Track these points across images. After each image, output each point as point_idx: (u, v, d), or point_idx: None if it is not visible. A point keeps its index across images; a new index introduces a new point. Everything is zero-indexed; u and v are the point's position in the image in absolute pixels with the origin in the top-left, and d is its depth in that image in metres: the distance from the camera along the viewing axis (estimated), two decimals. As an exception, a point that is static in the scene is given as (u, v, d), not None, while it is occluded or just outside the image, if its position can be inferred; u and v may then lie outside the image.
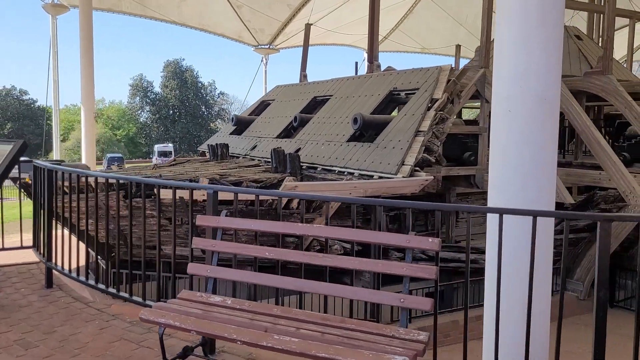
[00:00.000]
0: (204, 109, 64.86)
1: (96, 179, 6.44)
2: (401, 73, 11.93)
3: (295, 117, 13.21)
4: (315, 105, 13.91)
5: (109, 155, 36.77)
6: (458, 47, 19.72)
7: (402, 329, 2.39)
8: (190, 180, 9.30)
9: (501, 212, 3.02)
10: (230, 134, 15.86)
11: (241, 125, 15.63)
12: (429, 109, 10.23)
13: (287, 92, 15.82)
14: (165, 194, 5.48)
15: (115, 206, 4.60)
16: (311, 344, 2.30)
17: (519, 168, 3.93)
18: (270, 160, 11.53)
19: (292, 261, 2.87)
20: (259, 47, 27.89)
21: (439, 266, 2.53)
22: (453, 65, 12.25)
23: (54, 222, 5.35)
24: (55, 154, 23.78)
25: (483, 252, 12.58)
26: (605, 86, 12.03)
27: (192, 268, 3.29)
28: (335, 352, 2.21)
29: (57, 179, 5.25)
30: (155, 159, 37.18)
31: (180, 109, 62.27)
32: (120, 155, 36.08)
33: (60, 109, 55.92)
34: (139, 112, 63.30)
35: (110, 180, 5.78)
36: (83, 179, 5.04)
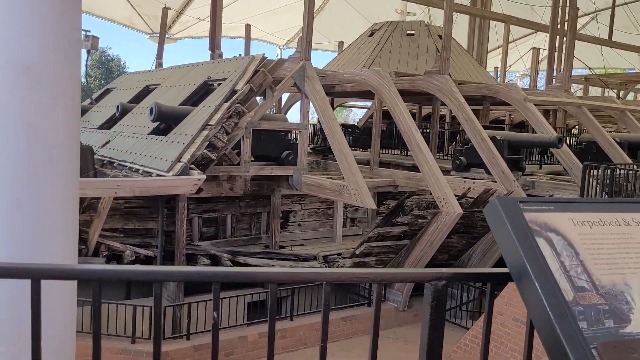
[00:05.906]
0: (131, 100, 62.11)
1: None
2: (221, 62, 10.93)
3: (118, 107, 11.96)
4: (145, 94, 12.72)
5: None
6: (340, 43, 18.96)
7: None
8: None
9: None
10: (66, 123, 14.40)
11: (76, 114, 14.21)
12: (227, 100, 9.25)
13: (129, 80, 14.56)
14: None
15: None
16: None
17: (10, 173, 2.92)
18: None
19: None
20: (154, 34, 26.30)
21: None
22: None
23: None
24: None
25: (304, 259, 11.48)
26: (441, 86, 11.45)
27: None
28: None
29: None
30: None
31: (105, 99, 59.39)
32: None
33: None
34: (60, 101, 59.94)
35: None
36: None
